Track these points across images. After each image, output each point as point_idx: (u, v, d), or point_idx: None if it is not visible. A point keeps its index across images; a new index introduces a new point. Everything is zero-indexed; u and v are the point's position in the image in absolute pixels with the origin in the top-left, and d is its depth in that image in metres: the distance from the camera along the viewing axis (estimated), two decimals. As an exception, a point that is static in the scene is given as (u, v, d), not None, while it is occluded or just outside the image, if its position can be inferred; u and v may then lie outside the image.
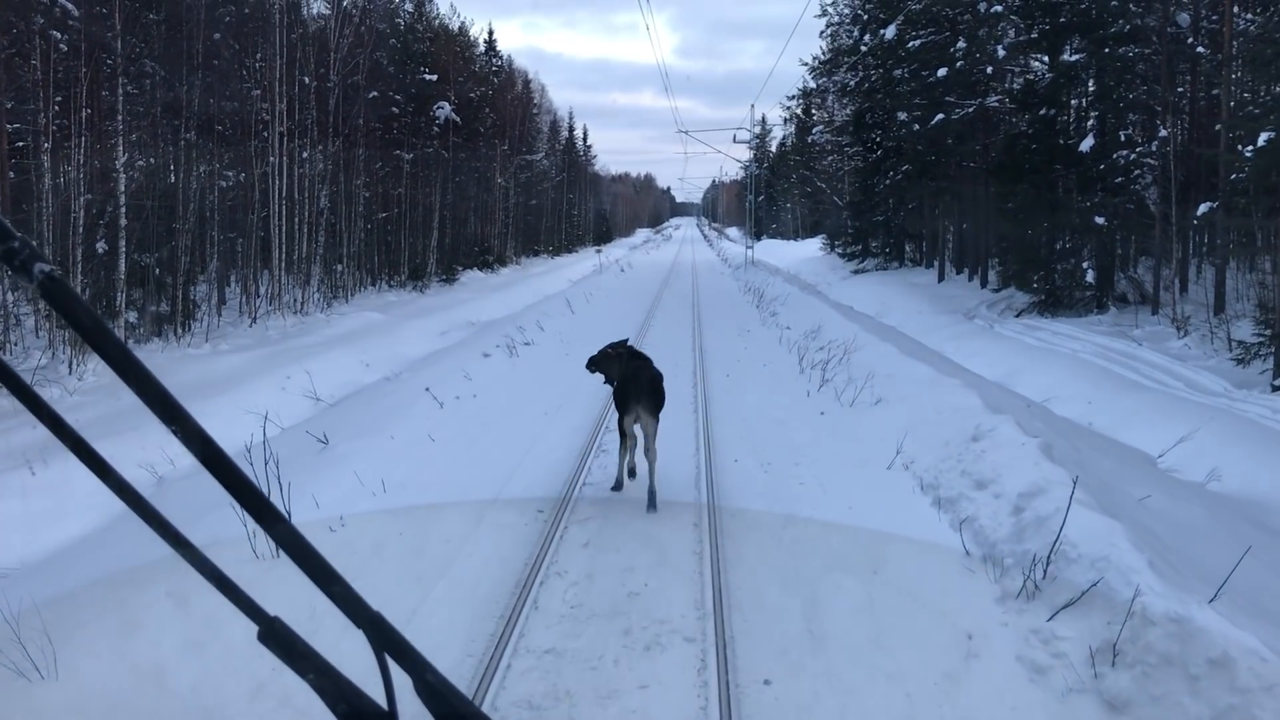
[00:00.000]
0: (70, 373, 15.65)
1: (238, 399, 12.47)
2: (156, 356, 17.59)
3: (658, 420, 6.92)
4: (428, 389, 10.33)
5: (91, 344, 0.74)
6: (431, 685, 0.87)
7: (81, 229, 16.50)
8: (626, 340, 8.22)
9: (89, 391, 14.63)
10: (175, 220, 20.75)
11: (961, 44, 23.48)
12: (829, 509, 6.46)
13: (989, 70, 22.82)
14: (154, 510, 0.88)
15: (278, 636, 0.89)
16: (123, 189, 17.56)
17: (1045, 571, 4.52)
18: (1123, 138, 19.24)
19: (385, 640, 0.87)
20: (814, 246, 50.36)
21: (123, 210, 17.60)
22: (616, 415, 7.05)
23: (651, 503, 6.57)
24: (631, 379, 7.06)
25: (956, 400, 8.80)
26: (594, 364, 7.80)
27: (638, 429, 6.92)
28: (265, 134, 24.50)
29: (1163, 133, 18.43)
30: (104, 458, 0.83)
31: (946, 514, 6.01)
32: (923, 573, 5.21)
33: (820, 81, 44.35)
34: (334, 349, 18.53)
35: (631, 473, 7.23)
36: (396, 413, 10.14)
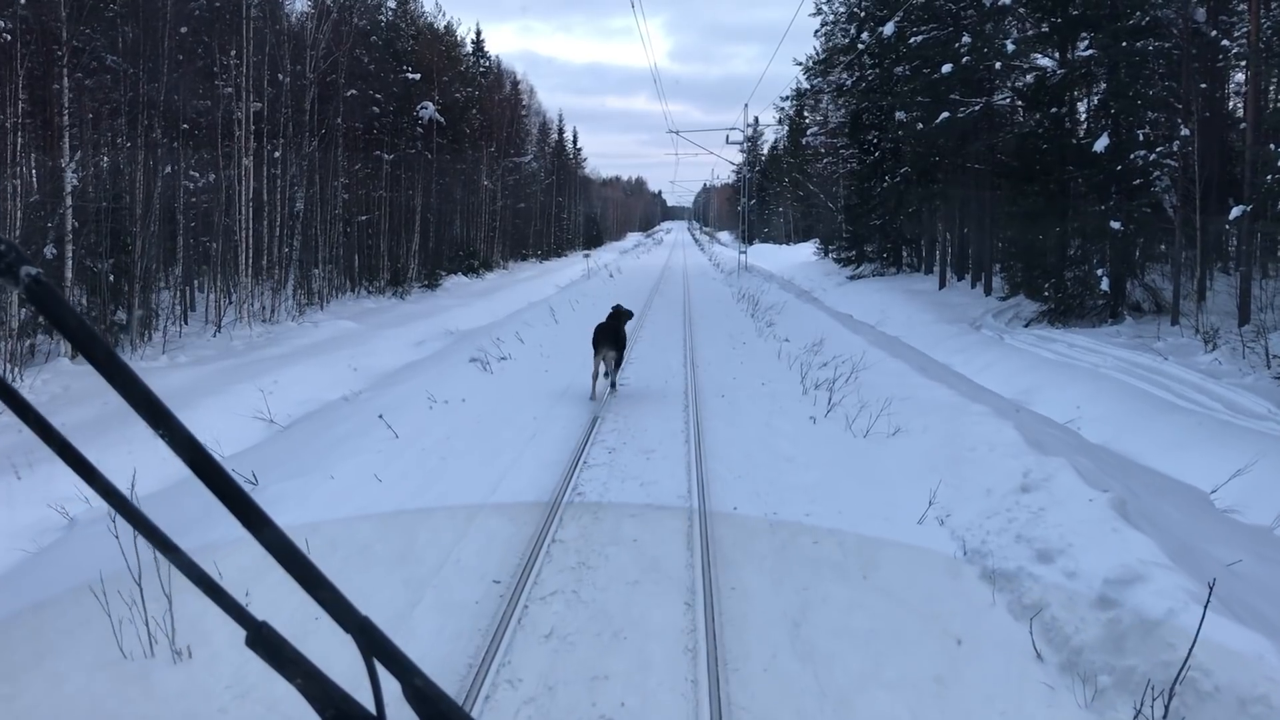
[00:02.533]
0: (4, 389, 14.33)
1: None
2: (105, 370, 16.26)
3: (619, 353, 11.54)
4: (381, 416, 9.06)
5: (78, 347, 0.73)
6: (420, 690, 0.87)
7: (19, 230, 15.20)
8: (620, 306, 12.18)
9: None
10: (133, 223, 19.44)
11: (966, 39, 22.34)
12: (853, 580, 5.24)
13: (997, 66, 21.66)
14: (141, 515, 0.86)
15: (266, 641, 0.87)
16: (68, 189, 16.25)
17: (1167, 708, 3.31)
18: (1141, 137, 18.07)
19: (373, 645, 0.87)
20: (807, 251, 49.25)
21: (69, 211, 16.30)
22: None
23: (612, 387, 11.38)
24: (600, 330, 11.27)
25: (989, 433, 7.58)
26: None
27: (605, 361, 11.18)
28: (238, 133, 23.18)
29: (1184, 131, 17.28)
30: (91, 462, 0.81)
31: (1003, 595, 4.78)
32: (985, 687, 3.98)
33: (815, 82, 43.18)
34: (299, 361, 17.27)
35: (609, 388, 11.34)
36: (346, 443, 8.89)
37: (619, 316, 11.67)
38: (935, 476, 6.81)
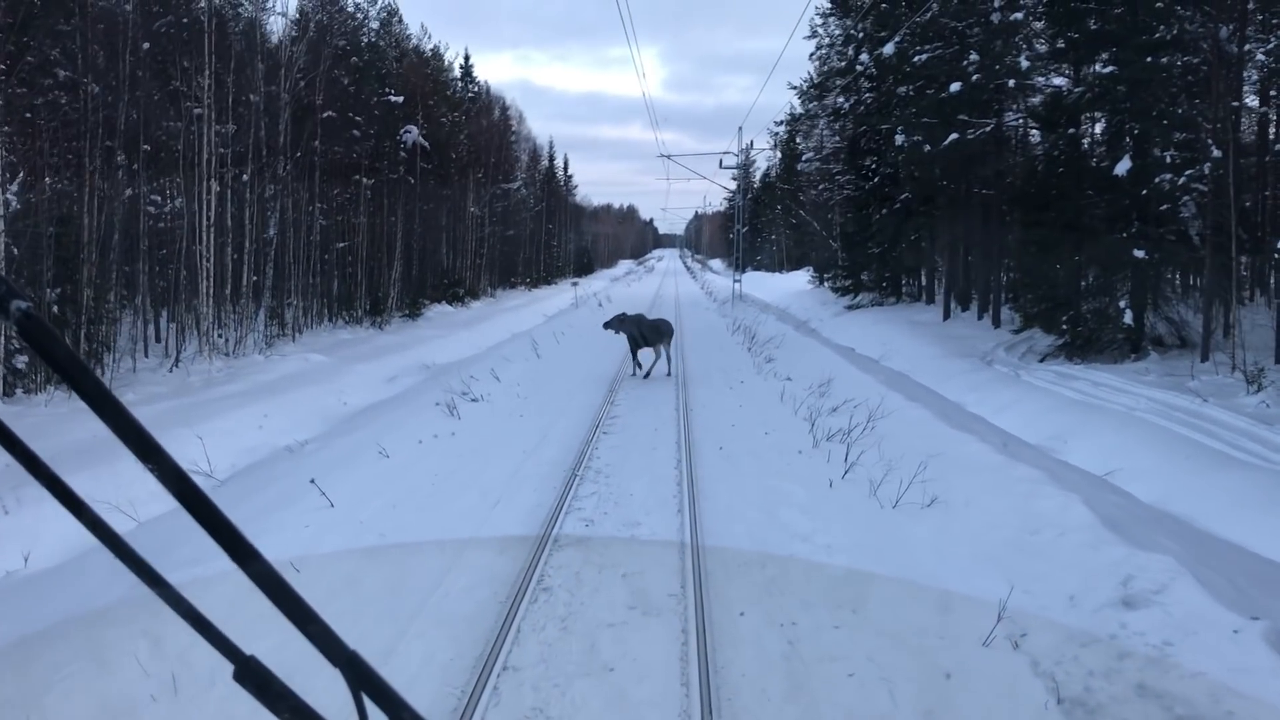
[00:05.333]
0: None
1: (102, 474, 9.72)
2: (38, 411, 14.78)
3: (669, 344, 16.07)
4: (313, 481, 7.60)
5: (68, 380, 0.74)
6: None
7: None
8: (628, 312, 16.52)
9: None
10: (80, 250, 17.97)
11: (974, 57, 21.14)
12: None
13: (1010, 84, 20.43)
14: (129, 548, 0.85)
15: (253, 675, 0.87)
16: (1, 211, 14.82)
17: None
18: (1168, 159, 16.79)
19: (362, 679, 0.86)
20: (801, 279, 48.01)
21: (0, 236, 14.87)
22: (630, 352, 15.87)
23: (669, 372, 15.84)
24: (651, 328, 15.84)
25: (1053, 509, 6.17)
26: (612, 325, 16.23)
27: (660, 349, 15.91)
28: (206, 154, 21.76)
29: (1216, 153, 16.01)
30: (79, 495, 0.81)
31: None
32: None
33: (810, 106, 42.06)
34: (256, 401, 15.79)
35: (649, 373, 15.69)
36: (272, 514, 7.42)
37: (658, 321, 16.24)
38: (994, 571, 5.37)
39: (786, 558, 6.20)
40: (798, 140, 50.67)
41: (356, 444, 10.21)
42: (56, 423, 13.52)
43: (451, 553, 6.44)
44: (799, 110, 44.44)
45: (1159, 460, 10.94)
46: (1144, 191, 17.04)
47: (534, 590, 5.65)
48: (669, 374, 15.72)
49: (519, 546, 6.51)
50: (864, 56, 29.28)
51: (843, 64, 34.75)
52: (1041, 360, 18.85)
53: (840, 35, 36.27)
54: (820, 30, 37.48)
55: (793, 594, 5.50)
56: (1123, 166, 17.39)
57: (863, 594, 5.46)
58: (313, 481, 7.55)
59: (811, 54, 39.14)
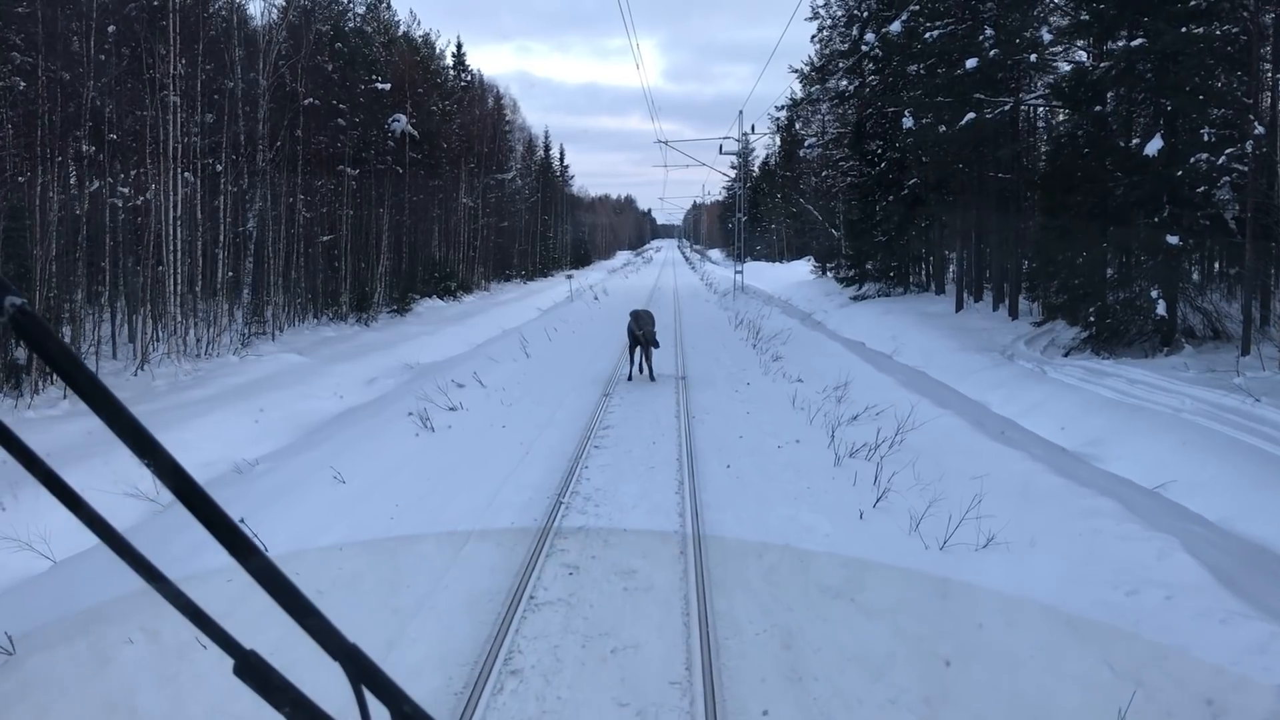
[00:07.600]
0: None
1: (21, 502, 8.52)
2: (-20, 423, 13.51)
3: (652, 334, 14.40)
4: (243, 520, 6.37)
5: (62, 376, 0.73)
6: (409, 717, 0.84)
7: None
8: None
9: None
10: (34, 245, 16.71)
11: (989, 32, 19.86)
12: None
13: (1032, 58, 19.15)
14: (127, 543, 0.84)
15: (254, 670, 0.86)
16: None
17: None
18: (1205, 137, 15.54)
19: (362, 672, 0.85)
20: (803, 269, 46.75)
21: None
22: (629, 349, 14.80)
23: (651, 377, 14.37)
24: (644, 318, 14.56)
25: (1146, 556, 4.95)
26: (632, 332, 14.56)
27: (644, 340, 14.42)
28: (173, 144, 20.46)
29: (1259, 129, 14.77)
30: (76, 491, 0.79)
31: None
32: None
33: (812, 90, 40.68)
34: (222, 408, 14.55)
35: (642, 370, 14.49)
36: (191, 558, 6.17)
37: (643, 314, 14.73)
38: (1091, 652, 4.16)
39: (813, 619, 4.97)
40: (798, 126, 49.32)
41: (311, 465, 9.00)
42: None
43: (403, 616, 5.24)
44: (800, 95, 43.06)
45: (1218, 470, 9.72)
46: (1178, 173, 15.79)
47: (499, 674, 4.44)
48: (653, 374, 14.63)
49: (486, 606, 5.30)
50: (869, 36, 27.97)
51: (846, 45, 33.44)
52: (1066, 354, 17.63)
53: (843, 16, 34.95)
54: (822, 12, 36.16)
55: (827, 680, 4.28)
56: (1153, 146, 16.12)
57: (918, 682, 4.24)
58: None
59: (813, 36, 37.81)
